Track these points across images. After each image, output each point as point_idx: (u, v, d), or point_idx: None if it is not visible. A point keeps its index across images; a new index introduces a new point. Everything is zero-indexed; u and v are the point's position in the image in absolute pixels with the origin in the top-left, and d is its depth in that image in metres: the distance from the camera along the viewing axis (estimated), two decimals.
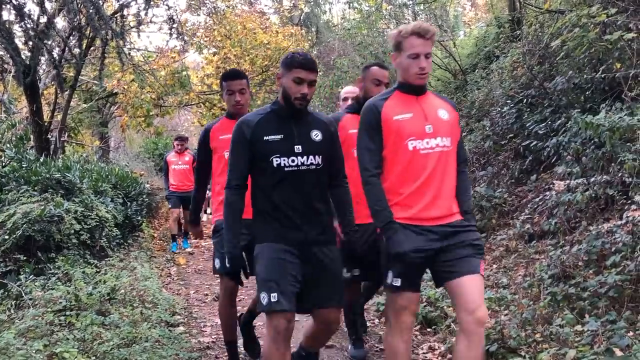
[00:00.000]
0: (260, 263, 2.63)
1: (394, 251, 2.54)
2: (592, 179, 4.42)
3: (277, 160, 2.61)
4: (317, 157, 2.66)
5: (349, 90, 4.00)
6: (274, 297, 2.51)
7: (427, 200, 2.58)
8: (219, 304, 3.66)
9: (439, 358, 3.65)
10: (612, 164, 4.36)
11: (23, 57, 7.74)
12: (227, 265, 2.67)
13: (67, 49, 8.60)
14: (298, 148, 2.63)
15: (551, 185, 5.14)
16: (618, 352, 2.82)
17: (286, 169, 2.61)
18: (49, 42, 8.25)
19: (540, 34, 6.88)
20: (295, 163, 2.62)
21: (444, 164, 2.61)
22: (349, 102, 3.87)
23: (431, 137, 2.60)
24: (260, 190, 2.68)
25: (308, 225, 2.65)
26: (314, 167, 2.65)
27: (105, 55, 9.38)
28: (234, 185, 2.68)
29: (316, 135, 2.70)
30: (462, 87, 9.89)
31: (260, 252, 2.64)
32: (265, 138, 2.63)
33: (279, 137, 2.63)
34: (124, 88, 12.55)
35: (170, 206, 8.96)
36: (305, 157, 2.63)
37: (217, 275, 3.62)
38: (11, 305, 3.98)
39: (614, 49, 4.79)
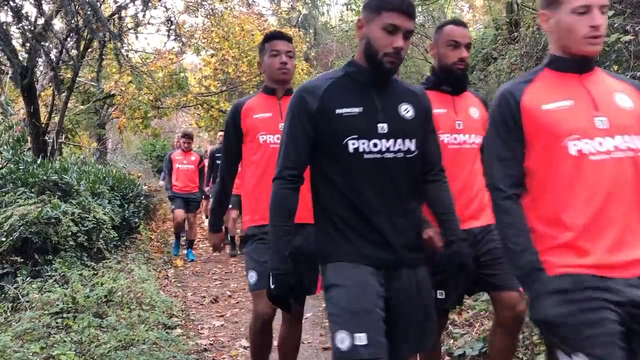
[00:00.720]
0: (336, 289, 1.88)
1: (541, 317, 1.66)
2: None
3: (354, 144, 1.89)
4: (407, 141, 1.93)
5: None
6: (361, 338, 1.77)
7: (611, 236, 1.66)
8: (249, 330, 2.90)
9: None
10: None
11: (20, 58, 7.72)
12: (272, 285, 1.93)
13: (64, 50, 8.58)
14: (382, 127, 1.91)
15: None
16: None
17: (366, 156, 1.89)
18: (47, 44, 8.23)
19: (537, 36, 6.89)
20: (379, 148, 1.90)
21: (632, 176, 1.69)
22: None
23: (606, 136, 1.69)
24: (328, 186, 1.95)
25: (398, 238, 1.92)
26: (402, 154, 1.92)
27: (103, 57, 9.35)
28: (287, 175, 1.96)
29: (406, 110, 1.98)
30: None
31: (335, 274, 1.90)
32: (337, 111, 1.91)
33: (356, 110, 1.92)
34: (121, 89, 12.53)
35: (173, 207, 8.29)
36: (392, 141, 1.91)
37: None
38: (8, 308, 3.97)
39: (611, 51, 4.80)
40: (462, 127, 2.53)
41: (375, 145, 1.90)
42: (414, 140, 1.95)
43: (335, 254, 1.92)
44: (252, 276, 2.74)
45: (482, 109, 2.64)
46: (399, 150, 1.92)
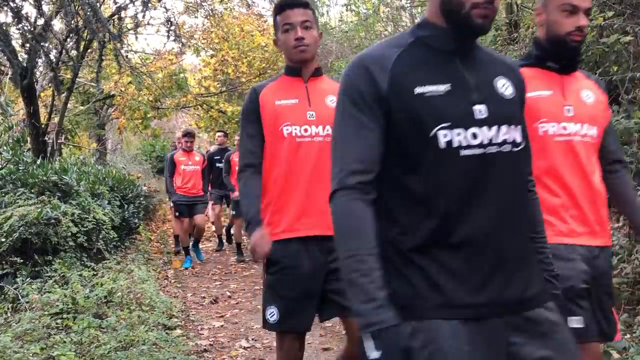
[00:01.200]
0: None
1: None
2: None
3: (445, 135, 1.28)
4: (513, 128, 1.34)
5: None
6: None
7: None
8: None
9: None
10: None
11: (20, 59, 7.73)
12: (373, 354, 1.18)
13: (64, 51, 8.58)
14: (480, 111, 1.31)
15: None
16: (615, 355, 2.82)
17: (463, 152, 1.28)
18: (46, 45, 8.24)
19: (537, 36, 6.90)
20: (479, 140, 1.29)
21: None
22: None
23: None
24: (403, 201, 1.32)
25: (516, 270, 1.31)
26: (509, 147, 1.32)
27: (103, 57, 9.37)
28: (355, 183, 1.30)
29: (505, 86, 1.39)
30: None
31: (429, 343, 1.22)
32: (417, 90, 1.29)
33: (443, 88, 1.30)
34: (121, 90, 12.54)
35: (177, 214, 7.68)
36: (495, 129, 1.31)
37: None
38: (8, 308, 3.97)
39: (610, 52, 4.81)
40: (573, 113, 1.97)
41: (474, 136, 1.29)
42: (519, 128, 1.36)
43: (420, 307, 1.26)
44: (273, 313, 2.26)
45: (598, 93, 2.07)
46: (505, 142, 1.32)
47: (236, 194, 7.51)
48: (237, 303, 5.64)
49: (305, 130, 2.27)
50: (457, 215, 1.27)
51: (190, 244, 7.91)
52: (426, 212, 1.29)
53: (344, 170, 1.31)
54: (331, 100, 2.31)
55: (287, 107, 2.29)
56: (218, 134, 9.04)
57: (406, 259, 1.29)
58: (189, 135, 7.78)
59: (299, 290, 2.22)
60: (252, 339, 4.37)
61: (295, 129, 2.27)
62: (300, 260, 2.22)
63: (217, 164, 8.26)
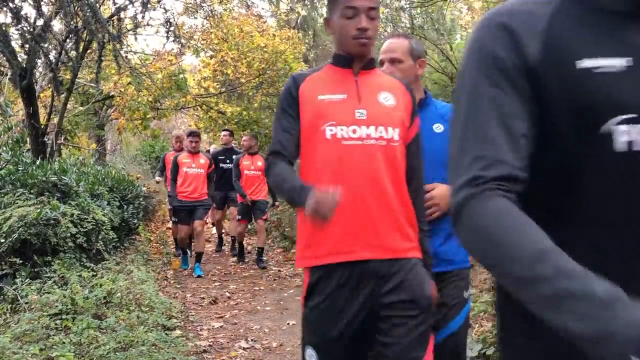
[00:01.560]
0: None
1: None
2: None
3: (626, 133, 0.86)
4: None
5: (391, 46, 2.29)
6: None
7: None
8: None
9: None
10: None
11: (19, 60, 7.73)
12: None
13: (63, 52, 8.57)
14: None
15: None
16: None
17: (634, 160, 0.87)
18: (46, 45, 8.23)
19: None
20: None
21: None
22: (385, 66, 2.26)
23: None
24: (552, 228, 0.83)
25: None
26: None
27: (102, 58, 9.34)
28: (492, 177, 0.86)
29: None
30: None
31: None
32: (581, 65, 0.88)
33: (619, 63, 0.88)
34: (120, 91, 12.52)
35: (176, 220, 7.46)
36: None
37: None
38: (7, 309, 3.97)
39: None
40: None
41: None
42: None
43: None
44: (312, 355, 1.89)
45: None
46: None
47: (247, 199, 7.52)
48: (236, 304, 5.64)
49: (354, 132, 1.86)
50: (631, 254, 0.84)
51: (194, 261, 7.52)
52: (584, 247, 0.86)
53: (477, 163, 0.88)
54: (384, 98, 1.96)
55: (333, 103, 1.91)
56: (223, 132, 8.79)
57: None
58: (193, 134, 7.25)
59: (343, 329, 1.83)
60: (252, 340, 4.37)
61: (342, 130, 1.87)
62: (346, 292, 1.83)
63: (222, 164, 8.10)
